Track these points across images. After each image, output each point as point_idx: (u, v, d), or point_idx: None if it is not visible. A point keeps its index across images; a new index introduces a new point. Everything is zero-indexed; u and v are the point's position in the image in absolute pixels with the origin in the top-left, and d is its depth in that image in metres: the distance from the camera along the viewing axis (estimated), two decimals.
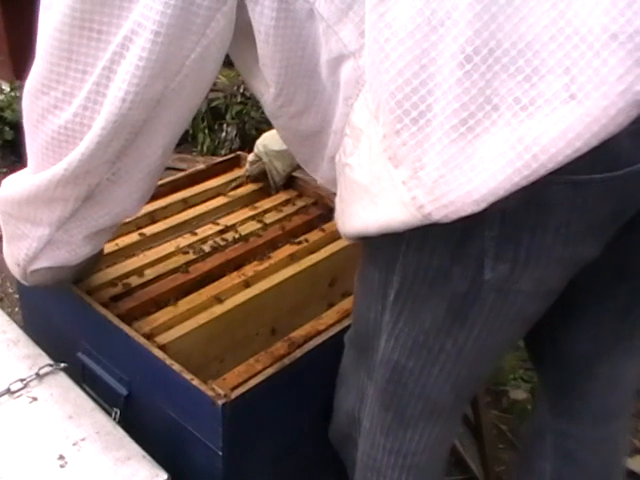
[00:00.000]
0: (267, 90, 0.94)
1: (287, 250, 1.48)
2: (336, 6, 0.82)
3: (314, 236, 1.53)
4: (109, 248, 1.42)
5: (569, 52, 0.71)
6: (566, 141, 0.71)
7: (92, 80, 0.90)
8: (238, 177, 1.72)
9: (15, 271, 1.18)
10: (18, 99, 2.81)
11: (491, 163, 0.74)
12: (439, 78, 0.74)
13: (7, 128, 2.82)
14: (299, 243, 1.50)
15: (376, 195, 0.83)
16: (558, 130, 0.71)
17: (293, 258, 1.46)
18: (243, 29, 0.88)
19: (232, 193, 1.68)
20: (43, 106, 0.96)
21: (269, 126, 1.69)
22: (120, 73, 0.86)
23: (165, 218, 1.57)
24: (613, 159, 0.75)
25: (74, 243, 1.10)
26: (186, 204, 1.63)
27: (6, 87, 2.86)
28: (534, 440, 1.22)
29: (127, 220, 1.49)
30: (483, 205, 0.75)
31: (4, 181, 1.13)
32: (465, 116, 0.74)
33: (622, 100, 0.69)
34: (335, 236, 1.54)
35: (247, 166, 1.71)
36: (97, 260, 1.28)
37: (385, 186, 0.81)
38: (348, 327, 1.22)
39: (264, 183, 1.71)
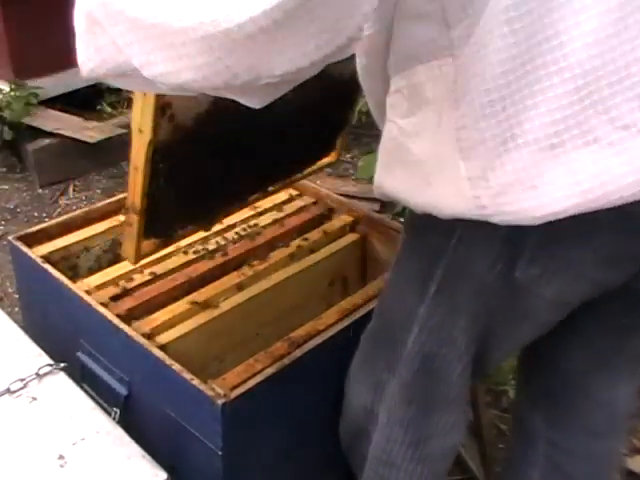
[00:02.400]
0: None
1: (287, 250, 1.48)
2: None
3: (314, 236, 1.53)
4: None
5: None
6: None
7: None
8: None
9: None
10: (18, 99, 2.81)
11: (563, 188, 0.75)
12: (539, 95, 0.74)
13: (7, 128, 2.81)
14: (299, 243, 1.50)
15: (431, 174, 0.83)
16: (637, 175, 0.72)
17: (293, 258, 1.46)
18: None
19: None
20: None
21: None
22: None
23: None
24: None
25: None
26: None
27: (6, 87, 2.85)
28: (526, 446, 1.21)
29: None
30: (540, 222, 0.76)
31: None
32: (553, 137, 0.74)
33: None
34: (335, 236, 1.54)
35: None
36: None
37: (446, 171, 0.81)
38: (348, 327, 1.23)
39: None
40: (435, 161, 0.82)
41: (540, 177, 0.75)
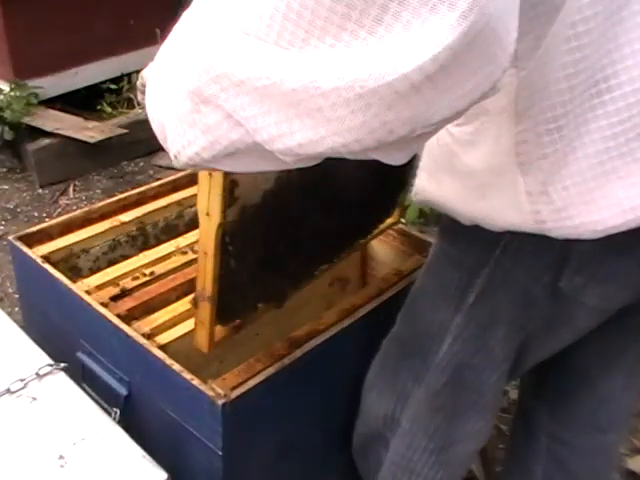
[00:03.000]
0: None
1: None
2: None
3: None
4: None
5: None
6: None
7: None
8: None
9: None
10: (18, 99, 2.81)
11: (623, 200, 0.75)
12: (600, 108, 0.73)
13: (7, 128, 2.82)
14: None
15: (486, 185, 0.82)
16: None
17: None
18: None
19: None
20: None
21: None
22: None
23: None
24: None
25: None
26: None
27: (6, 87, 2.85)
28: (529, 441, 1.22)
29: (127, 220, 1.50)
30: (601, 235, 0.76)
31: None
32: (613, 149, 0.74)
33: None
34: None
35: None
36: None
37: (502, 184, 0.80)
38: (348, 327, 1.23)
39: None
40: (490, 173, 0.81)
41: (600, 190, 0.75)
